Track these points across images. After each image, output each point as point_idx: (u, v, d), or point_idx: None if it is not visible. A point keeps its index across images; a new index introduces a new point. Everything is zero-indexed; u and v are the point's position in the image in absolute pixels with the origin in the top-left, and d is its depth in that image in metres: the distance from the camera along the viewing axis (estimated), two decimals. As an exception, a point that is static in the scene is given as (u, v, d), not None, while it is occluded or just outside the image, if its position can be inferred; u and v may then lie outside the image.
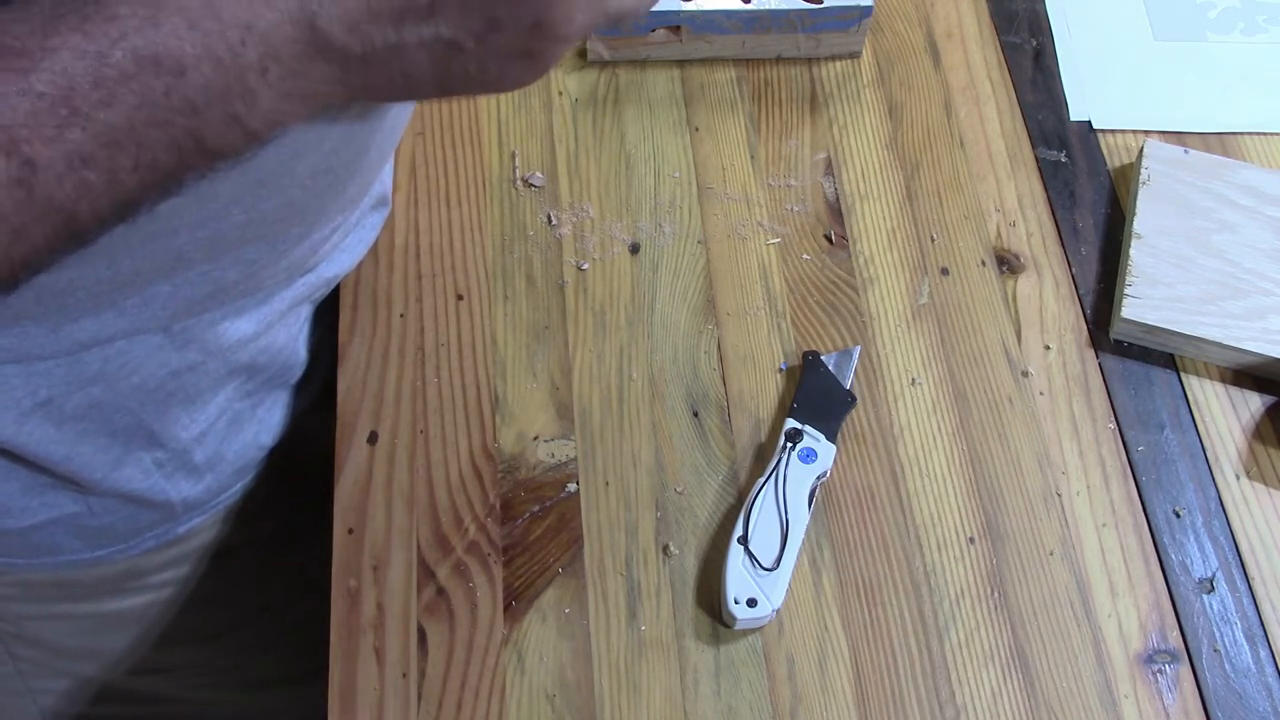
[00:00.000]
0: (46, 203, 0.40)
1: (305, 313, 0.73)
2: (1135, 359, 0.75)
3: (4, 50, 0.39)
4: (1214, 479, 0.71)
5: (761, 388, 0.73)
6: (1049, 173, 0.82)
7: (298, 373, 0.75)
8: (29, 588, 0.74)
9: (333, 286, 0.74)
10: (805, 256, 0.78)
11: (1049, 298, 0.77)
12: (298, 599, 0.92)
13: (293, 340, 0.72)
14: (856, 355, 0.73)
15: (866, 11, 0.84)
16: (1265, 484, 0.71)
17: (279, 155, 0.57)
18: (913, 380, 0.74)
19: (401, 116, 0.67)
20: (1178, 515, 0.70)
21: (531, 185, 0.79)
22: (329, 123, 0.59)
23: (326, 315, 0.76)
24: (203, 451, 0.71)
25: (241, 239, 0.60)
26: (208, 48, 0.41)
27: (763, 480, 0.67)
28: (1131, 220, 0.78)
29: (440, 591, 0.66)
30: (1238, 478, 0.71)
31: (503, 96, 0.84)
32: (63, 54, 0.39)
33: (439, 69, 0.45)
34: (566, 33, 0.46)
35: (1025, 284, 0.78)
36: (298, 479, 0.83)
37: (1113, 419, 0.73)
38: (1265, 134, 0.84)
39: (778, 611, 0.65)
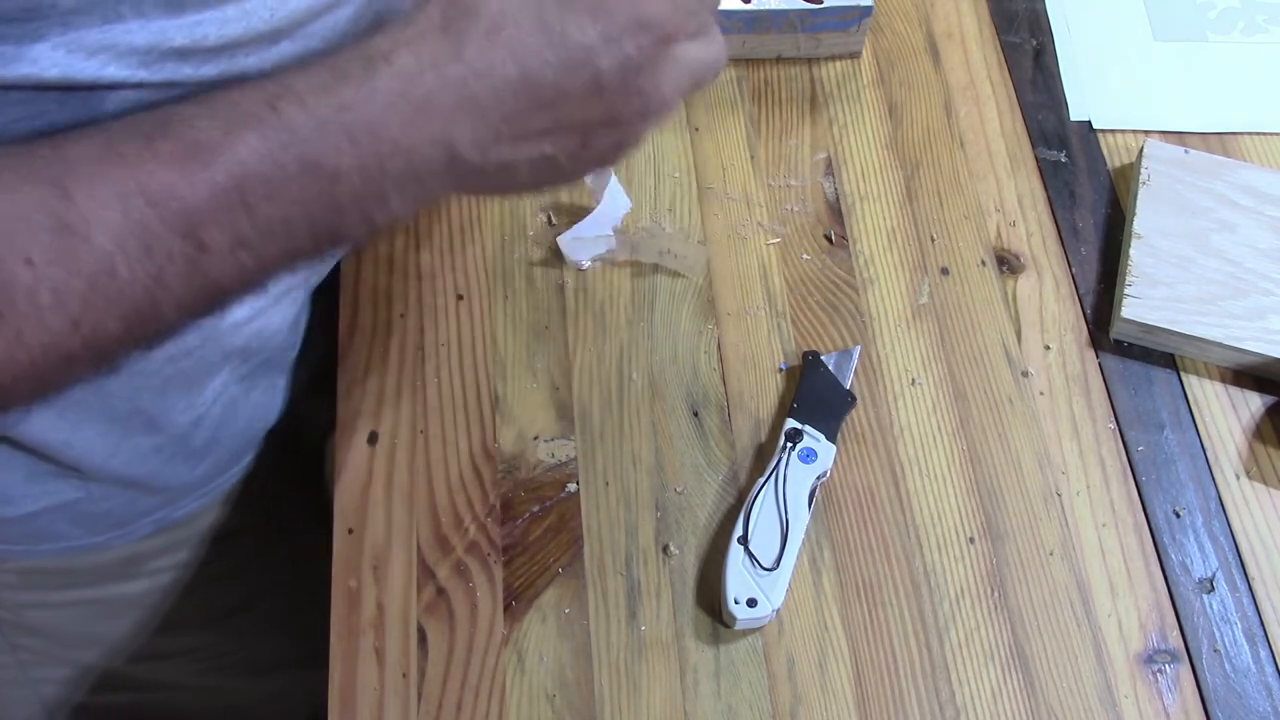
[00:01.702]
0: (205, 279, 0.46)
1: (300, 296, 0.73)
2: (1135, 359, 0.75)
3: (193, 142, 0.44)
4: (1214, 479, 0.71)
5: (761, 388, 0.73)
6: (1049, 173, 0.82)
7: (293, 355, 0.76)
8: (29, 575, 0.74)
9: (328, 270, 0.74)
10: (805, 256, 0.78)
11: (1049, 298, 0.77)
12: (299, 582, 0.92)
13: (287, 323, 0.73)
14: (856, 355, 0.73)
15: (866, 11, 0.84)
16: (1265, 484, 0.71)
17: None
18: (913, 380, 0.74)
19: None
20: (1178, 515, 0.70)
21: (531, 185, 0.79)
22: None
23: (321, 298, 0.76)
24: (200, 436, 0.71)
25: None
26: (361, 161, 0.47)
27: (763, 480, 0.67)
28: (1131, 220, 0.78)
29: (440, 591, 0.66)
30: (1238, 478, 0.71)
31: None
32: (241, 151, 0.45)
33: (535, 176, 0.52)
34: (637, 146, 0.54)
35: (1025, 284, 0.78)
36: (296, 462, 0.83)
37: (1113, 419, 0.73)
38: (1265, 134, 0.84)
39: (778, 611, 0.65)
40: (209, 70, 0.52)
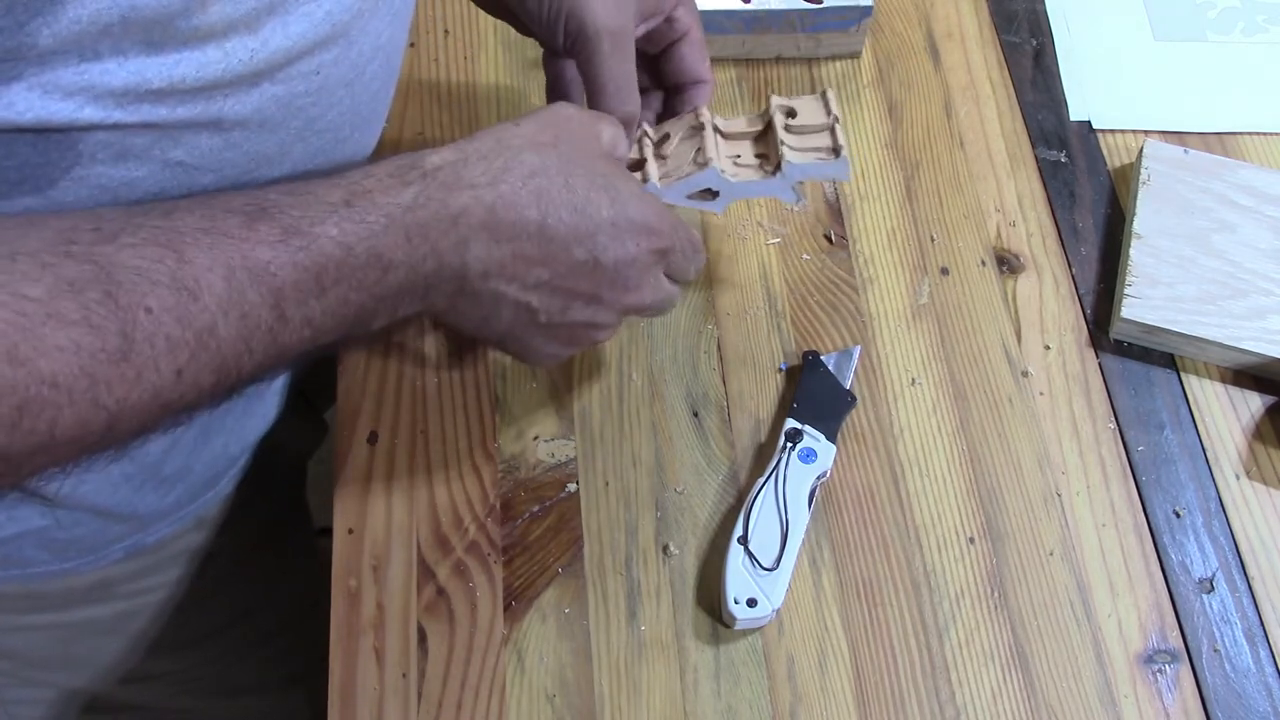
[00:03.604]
0: (278, 349, 0.50)
1: None
2: (1135, 359, 0.75)
3: (286, 227, 0.49)
4: (1214, 479, 0.71)
5: (761, 388, 0.73)
6: (1049, 173, 0.82)
7: (267, 381, 0.75)
8: None
9: None
10: (805, 256, 0.78)
11: (1049, 298, 0.77)
12: (278, 604, 0.92)
13: None
14: (856, 355, 0.73)
15: (866, 12, 0.84)
16: (1265, 484, 0.71)
17: (249, 157, 0.57)
18: (913, 380, 0.74)
19: (369, 137, 0.67)
20: (1178, 515, 0.70)
21: (531, 185, 0.79)
22: (299, 130, 0.59)
23: None
24: (172, 463, 0.71)
25: None
26: (409, 257, 0.53)
27: (763, 480, 0.67)
28: (1131, 220, 0.78)
29: (440, 591, 0.66)
30: (1238, 478, 0.71)
31: (502, 94, 0.84)
32: (324, 241, 0.50)
33: (512, 323, 0.58)
34: (598, 340, 0.62)
35: (1025, 284, 0.78)
36: (271, 485, 0.82)
37: (1113, 419, 0.73)
38: (1265, 134, 0.84)
39: (778, 611, 0.65)
40: (185, 112, 0.52)
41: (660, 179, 0.66)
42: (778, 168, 0.67)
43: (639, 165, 0.66)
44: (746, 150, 0.69)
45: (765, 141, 0.68)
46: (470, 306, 0.57)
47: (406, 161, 0.54)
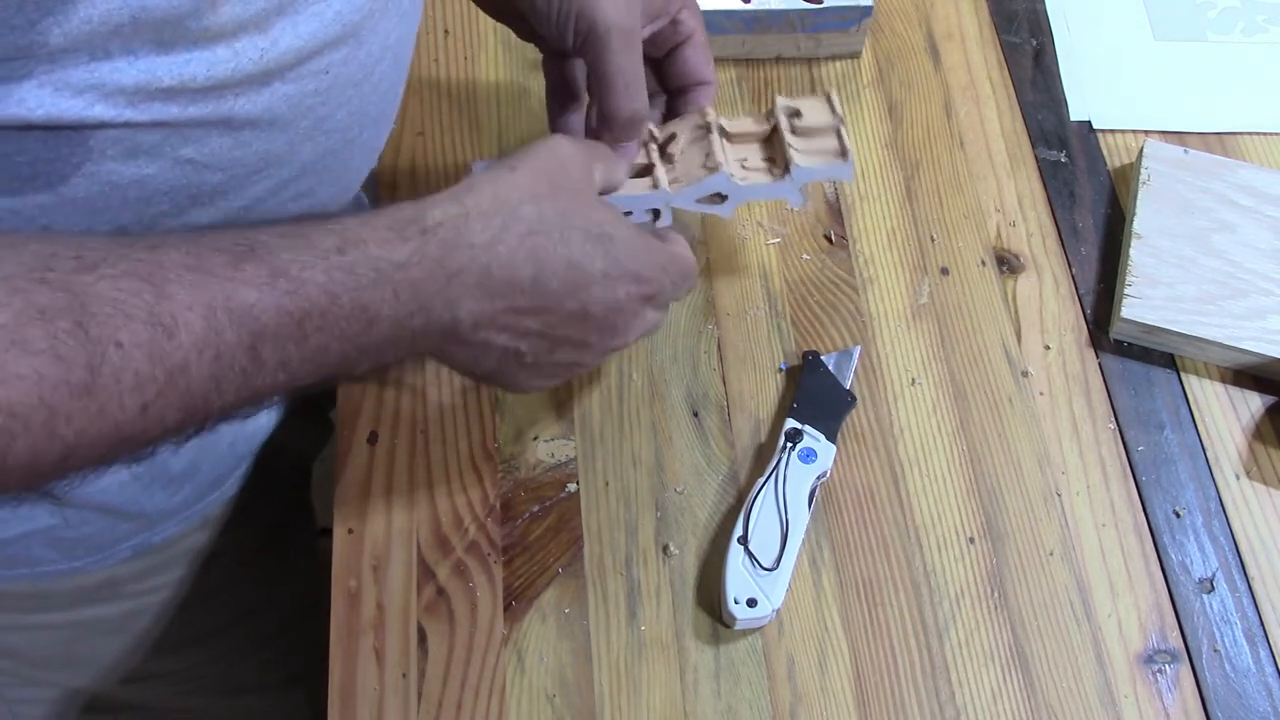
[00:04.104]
0: (250, 391, 0.49)
1: None
2: (1135, 359, 0.75)
3: (274, 270, 0.48)
4: (1214, 479, 0.71)
5: (761, 388, 0.73)
6: (1049, 173, 0.82)
7: (239, 419, 0.75)
8: (3, 599, 0.73)
9: None
10: (805, 256, 0.78)
11: (1049, 298, 0.77)
12: (280, 604, 0.92)
13: None
14: (856, 355, 0.73)
15: (866, 12, 0.84)
16: (1265, 484, 0.71)
17: (259, 156, 0.57)
18: (913, 380, 0.74)
19: (378, 137, 0.67)
20: (1178, 515, 0.70)
21: (531, 185, 0.79)
22: (303, 138, 0.59)
23: None
24: (179, 462, 0.71)
25: None
26: (396, 312, 0.52)
27: (763, 480, 0.67)
28: (1131, 220, 0.78)
29: (440, 591, 0.66)
30: (1238, 478, 0.71)
31: (503, 95, 0.84)
32: (310, 287, 0.49)
33: (499, 364, 0.58)
34: (581, 372, 0.64)
35: (1025, 284, 0.78)
36: (277, 485, 0.82)
37: (1113, 419, 0.73)
38: (1265, 134, 0.84)
39: (778, 611, 0.65)
40: (195, 111, 0.52)
41: (670, 184, 0.66)
42: (786, 171, 0.67)
43: (647, 171, 0.67)
44: (753, 154, 0.69)
45: (771, 144, 0.69)
46: (459, 351, 0.57)
47: (408, 215, 0.54)
